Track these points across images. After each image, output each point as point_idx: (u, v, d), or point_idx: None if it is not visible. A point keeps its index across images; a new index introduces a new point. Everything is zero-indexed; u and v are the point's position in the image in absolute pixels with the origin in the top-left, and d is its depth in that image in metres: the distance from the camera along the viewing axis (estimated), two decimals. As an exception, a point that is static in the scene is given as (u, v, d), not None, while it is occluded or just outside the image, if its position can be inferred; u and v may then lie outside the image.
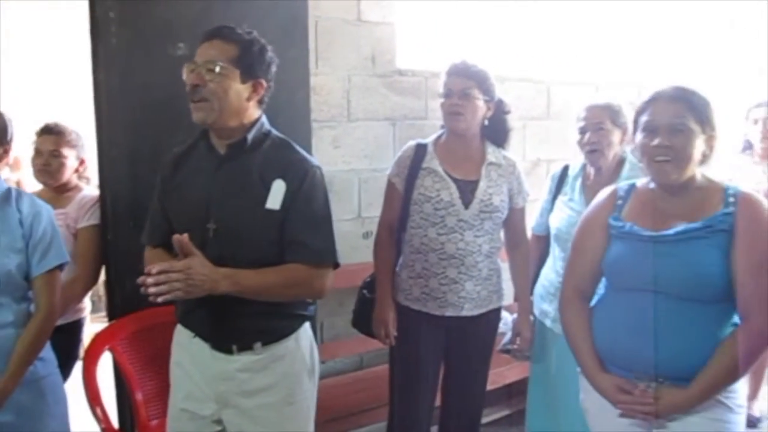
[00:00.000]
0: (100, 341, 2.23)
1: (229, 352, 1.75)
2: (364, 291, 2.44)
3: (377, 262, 2.39)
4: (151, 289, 1.48)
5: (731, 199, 1.62)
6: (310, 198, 1.72)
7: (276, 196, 1.68)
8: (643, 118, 1.67)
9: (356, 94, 3.08)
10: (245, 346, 1.75)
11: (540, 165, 3.80)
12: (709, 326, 1.61)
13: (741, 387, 1.67)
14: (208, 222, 1.70)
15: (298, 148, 1.79)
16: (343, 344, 3.04)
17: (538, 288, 2.53)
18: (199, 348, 1.78)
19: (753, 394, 3.33)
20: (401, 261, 2.37)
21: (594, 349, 1.74)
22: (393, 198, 2.35)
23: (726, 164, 3.29)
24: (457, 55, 2.33)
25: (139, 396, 2.23)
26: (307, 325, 1.87)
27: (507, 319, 2.49)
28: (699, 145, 1.61)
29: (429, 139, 2.36)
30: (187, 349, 1.82)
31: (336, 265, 1.77)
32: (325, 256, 1.73)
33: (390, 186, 2.37)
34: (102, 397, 2.14)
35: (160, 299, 1.49)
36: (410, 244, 2.31)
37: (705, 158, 1.65)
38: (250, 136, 1.73)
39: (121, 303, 2.32)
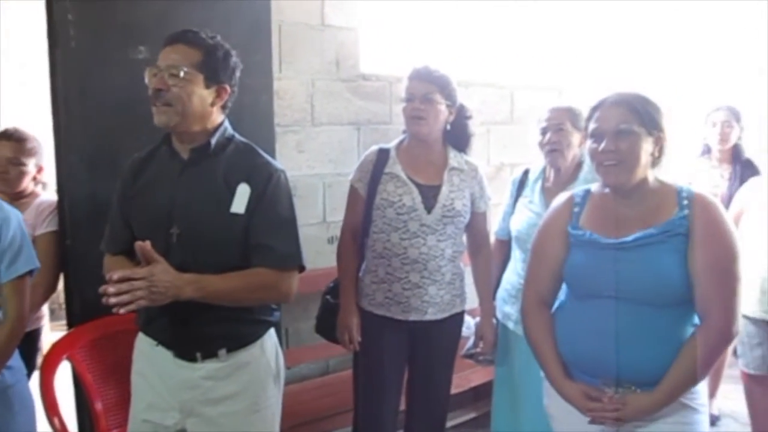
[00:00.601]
0: (58, 350, 2.18)
1: (193, 359, 1.73)
2: (328, 296, 2.43)
3: (340, 267, 2.38)
4: (113, 300, 1.44)
5: (685, 202, 1.65)
6: (274, 202, 1.72)
7: (240, 200, 1.67)
8: (591, 125, 1.70)
9: (320, 98, 3.07)
10: (210, 353, 1.73)
11: (504, 169, 3.84)
12: (671, 330, 1.64)
13: (702, 387, 1.70)
14: (171, 227, 1.68)
15: (261, 152, 1.79)
16: (309, 349, 3.03)
17: (501, 291, 2.55)
18: (162, 356, 1.75)
19: (712, 393, 3.40)
20: (364, 266, 2.37)
21: (558, 356, 1.75)
22: (355, 203, 2.35)
23: (685, 168, 3.37)
24: (420, 60, 2.34)
25: (98, 406, 2.19)
26: (272, 331, 1.86)
27: (470, 323, 2.51)
28: (646, 148, 1.64)
29: (391, 144, 2.37)
30: (149, 357, 1.79)
31: (302, 269, 1.76)
32: (291, 259, 1.73)
33: (352, 191, 2.37)
34: (60, 408, 2.09)
35: (122, 310, 1.46)
36: (373, 249, 2.31)
37: (655, 160, 1.68)
38: (213, 141, 1.72)
39: (81, 310, 2.27)
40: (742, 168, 3.21)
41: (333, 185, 3.11)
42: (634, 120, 1.63)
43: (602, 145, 1.64)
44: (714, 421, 3.46)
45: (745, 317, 2.83)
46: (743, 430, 3.33)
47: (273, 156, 2.79)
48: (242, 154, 1.76)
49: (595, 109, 1.71)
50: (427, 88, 2.22)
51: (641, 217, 1.67)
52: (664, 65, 4.67)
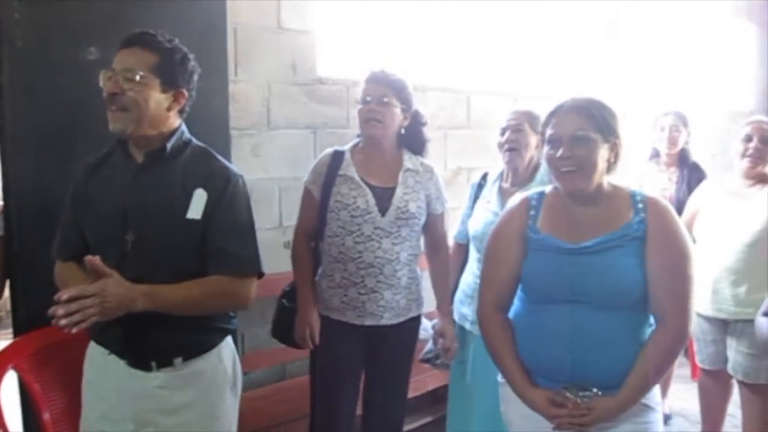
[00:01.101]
0: (3, 360, 2.10)
1: (147, 368, 1.69)
2: (283, 300, 2.41)
3: (295, 270, 2.37)
4: (63, 321, 1.40)
5: (640, 206, 1.68)
6: (232, 207, 1.70)
7: (197, 205, 1.65)
8: (548, 131, 1.70)
9: (276, 102, 3.05)
10: (165, 362, 1.69)
11: (461, 173, 3.87)
12: (629, 332, 1.66)
13: (656, 386, 1.73)
14: (126, 233, 1.64)
15: (219, 156, 1.76)
16: (266, 354, 2.99)
17: (458, 293, 2.57)
18: (115, 365, 1.71)
19: (663, 393, 3.49)
20: (321, 270, 2.36)
21: (520, 362, 1.74)
22: (309, 205, 2.35)
23: (635, 172, 3.44)
24: (378, 64, 2.35)
25: (46, 416, 2.12)
26: (229, 338, 1.83)
27: (428, 326, 2.51)
28: (603, 154, 1.65)
29: (346, 147, 2.37)
30: (101, 367, 1.74)
31: (260, 275, 1.75)
32: (250, 265, 1.71)
33: (306, 193, 2.36)
34: (6, 419, 2.02)
35: (74, 330, 1.42)
36: (329, 254, 2.30)
37: (610, 166, 1.70)
38: (169, 145, 1.68)
39: (27, 318, 2.20)
40: (689, 171, 3.30)
41: (289, 189, 3.08)
42: (590, 126, 1.64)
43: (559, 151, 1.64)
44: (666, 420, 3.54)
45: (699, 315, 2.94)
46: (693, 428, 3.42)
47: (229, 160, 2.76)
48: (199, 158, 1.73)
49: (552, 114, 1.71)
50: (383, 91, 2.23)
51: (597, 221, 1.68)
52: (616, 71, 4.78)
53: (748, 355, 2.82)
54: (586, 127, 1.64)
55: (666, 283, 1.63)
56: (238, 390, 1.87)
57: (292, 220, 2.47)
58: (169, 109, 1.68)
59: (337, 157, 2.32)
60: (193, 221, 1.64)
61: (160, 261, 1.64)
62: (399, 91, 2.26)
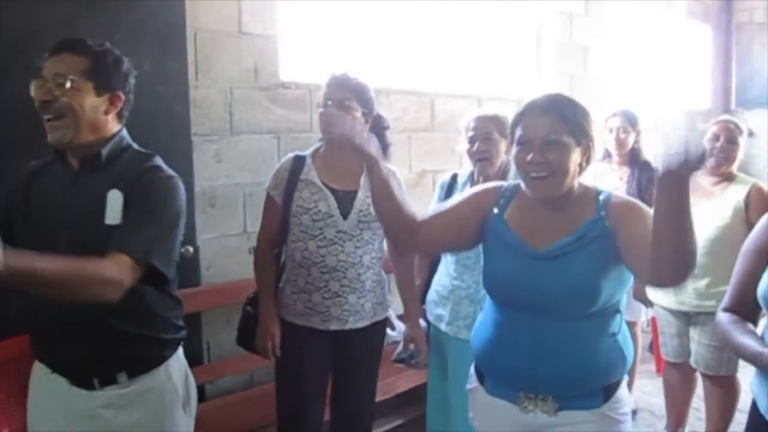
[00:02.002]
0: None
1: (90, 387, 1.62)
2: (248, 307, 2.39)
3: (258, 278, 2.35)
4: None
5: (601, 204, 1.62)
6: (148, 198, 1.59)
7: (113, 209, 1.57)
8: (518, 131, 1.61)
9: (239, 107, 3.02)
10: (108, 379, 1.62)
11: (426, 176, 3.88)
12: (591, 342, 1.61)
13: (625, 395, 1.68)
14: (57, 242, 1.55)
15: (159, 161, 1.68)
16: (231, 363, 2.96)
17: (431, 293, 2.56)
18: (58, 385, 1.64)
19: (629, 388, 3.54)
20: (284, 276, 2.34)
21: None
22: (271, 210, 2.33)
23: (590, 171, 3.48)
24: (340, 67, 2.34)
25: (5, 432, 2.07)
26: (180, 352, 1.76)
27: (400, 327, 2.52)
28: (575, 158, 1.58)
29: (308, 151, 2.36)
30: (45, 386, 1.67)
31: (158, 279, 1.60)
32: (143, 250, 1.53)
33: (268, 198, 2.35)
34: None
35: None
36: (292, 259, 2.29)
37: (582, 169, 1.63)
38: (104, 151, 1.63)
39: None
40: (640, 170, 3.33)
41: (254, 195, 3.05)
42: (563, 129, 1.55)
43: (530, 156, 1.56)
44: (632, 415, 3.59)
45: (664, 308, 3.01)
46: (659, 422, 3.48)
47: (191, 166, 2.74)
48: (135, 163, 1.65)
49: (522, 114, 1.62)
50: (344, 95, 2.22)
51: (561, 223, 1.62)
52: (574, 72, 4.86)
53: (709, 347, 2.89)
54: (559, 131, 1.55)
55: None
56: (192, 408, 1.79)
57: (256, 226, 2.44)
58: (106, 112, 1.63)
59: (298, 161, 2.31)
60: (113, 227, 1.55)
61: None
62: (360, 94, 2.26)
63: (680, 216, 1.33)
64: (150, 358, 1.67)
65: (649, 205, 1.52)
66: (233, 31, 2.99)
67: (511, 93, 4.30)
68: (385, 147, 2.40)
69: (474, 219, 1.72)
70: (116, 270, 1.46)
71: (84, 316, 1.54)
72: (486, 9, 4.40)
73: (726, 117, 3.06)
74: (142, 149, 1.72)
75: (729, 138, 2.90)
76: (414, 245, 1.87)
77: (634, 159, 3.39)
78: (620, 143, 3.35)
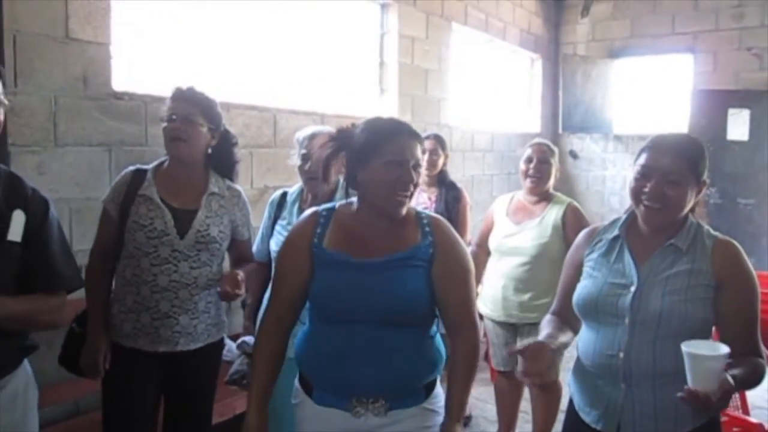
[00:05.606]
0: None
1: None
2: (74, 324, 2.25)
3: (88, 292, 2.21)
4: None
5: (427, 229, 1.75)
6: (53, 229, 1.69)
7: (16, 227, 1.59)
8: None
9: (64, 117, 2.84)
10: None
11: (268, 192, 3.83)
12: (414, 347, 1.71)
13: (440, 390, 1.81)
14: None
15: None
16: (55, 390, 2.74)
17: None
18: None
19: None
20: (112, 295, 2.23)
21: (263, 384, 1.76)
22: (106, 224, 2.23)
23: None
24: (184, 81, 2.28)
25: None
26: (26, 363, 1.74)
27: (232, 346, 2.46)
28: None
29: (150, 166, 2.27)
30: None
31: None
32: (75, 282, 1.75)
33: (104, 212, 2.25)
34: None
35: None
36: (122, 276, 2.19)
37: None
38: None
39: None
40: (447, 190, 3.55)
41: (81, 210, 2.88)
42: (684, 170, 1.67)
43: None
44: (466, 421, 3.76)
45: (493, 321, 3.19)
46: (492, 427, 3.66)
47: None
48: (10, 180, 1.66)
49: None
50: (190, 110, 2.17)
51: (387, 239, 1.72)
52: (414, 94, 5.05)
53: (533, 356, 3.09)
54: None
55: (457, 297, 1.74)
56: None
57: (84, 244, 2.31)
58: None
59: (139, 176, 2.22)
60: (13, 244, 1.59)
61: None
62: (206, 109, 2.21)
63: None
64: (10, 358, 1.68)
65: (455, 222, 1.62)
66: (59, 36, 2.81)
67: (353, 111, 4.39)
68: (232, 164, 2.37)
69: (306, 262, 1.74)
70: (63, 307, 1.71)
71: None
72: (330, 29, 4.47)
73: (539, 140, 3.30)
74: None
75: (541, 159, 3.13)
76: None
77: (441, 180, 3.59)
78: (432, 164, 3.52)
